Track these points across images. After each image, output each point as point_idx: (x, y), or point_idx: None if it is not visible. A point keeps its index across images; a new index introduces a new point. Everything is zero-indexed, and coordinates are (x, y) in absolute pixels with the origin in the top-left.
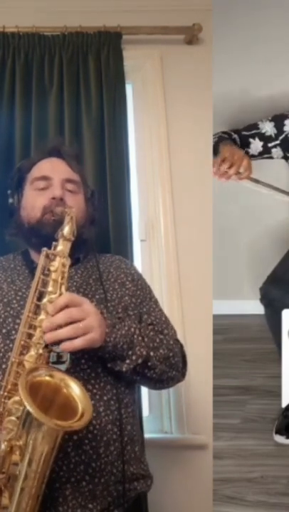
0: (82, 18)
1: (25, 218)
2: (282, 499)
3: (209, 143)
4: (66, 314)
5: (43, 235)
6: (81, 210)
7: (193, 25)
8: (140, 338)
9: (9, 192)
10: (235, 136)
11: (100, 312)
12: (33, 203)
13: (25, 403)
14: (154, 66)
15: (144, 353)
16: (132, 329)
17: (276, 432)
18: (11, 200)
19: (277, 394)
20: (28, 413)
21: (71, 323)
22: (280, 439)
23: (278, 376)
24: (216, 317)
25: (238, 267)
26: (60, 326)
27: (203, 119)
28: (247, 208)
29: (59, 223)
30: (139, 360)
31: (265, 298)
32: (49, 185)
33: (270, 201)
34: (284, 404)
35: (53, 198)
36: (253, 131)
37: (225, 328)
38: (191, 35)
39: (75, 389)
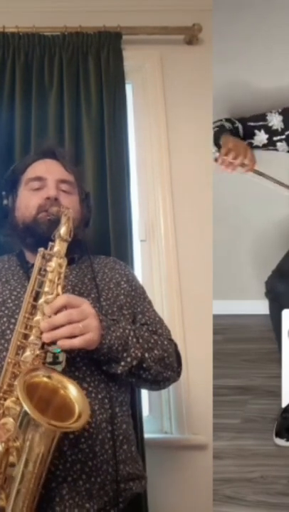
0: (82, 18)
1: (19, 218)
2: (282, 499)
3: (209, 143)
4: (66, 316)
5: (38, 234)
6: (76, 211)
7: (193, 25)
8: (135, 339)
9: (3, 193)
10: (238, 124)
11: (97, 314)
12: (28, 202)
13: (23, 404)
14: (154, 66)
15: (139, 354)
16: (127, 331)
17: (276, 435)
18: (5, 202)
19: (277, 394)
20: (26, 414)
21: (70, 324)
22: (281, 441)
23: (278, 376)
24: (216, 317)
25: (238, 268)
26: (57, 327)
27: (203, 118)
28: (247, 208)
29: (54, 223)
30: (134, 362)
31: (271, 292)
32: (43, 185)
33: (271, 199)
34: (284, 405)
35: (48, 198)
36: (259, 123)
37: (225, 328)
38: (191, 35)
39: (72, 390)
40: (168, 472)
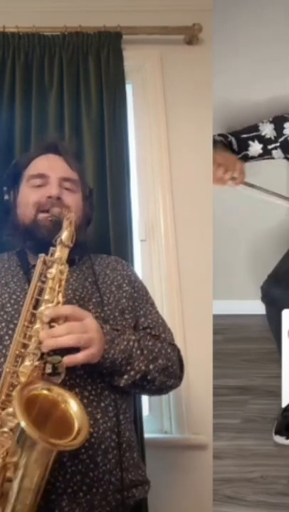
0: (82, 18)
1: (20, 217)
2: (282, 499)
3: (209, 143)
4: (67, 329)
5: (38, 237)
6: (78, 210)
7: (193, 25)
8: (139, 351)
9: (5, 189)
10: (231, 138)
11: (100, 327)
12: (27, 200)
13: (21, 421)
14: (154, 66)
15: (143, 367)
16: (131, 342)
17: (276, 433)
18: (6, 197)
19: (277, 394)
20: (23, 430)
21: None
22: (280, 439)
23: (278, 376)
24: (216, 317)
25: (238, 267)
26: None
27: (203, 118)
28: (247, 208)
29: (56, 225)
30: (138, 376)
31: (267, 297)
32: (46, 183)
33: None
34: (284, 404)
35: (49, 197)
36: (252, 134)
37: (225, 328)
38: (191, 35)
39: (72, 405)
40: (168, 472)
